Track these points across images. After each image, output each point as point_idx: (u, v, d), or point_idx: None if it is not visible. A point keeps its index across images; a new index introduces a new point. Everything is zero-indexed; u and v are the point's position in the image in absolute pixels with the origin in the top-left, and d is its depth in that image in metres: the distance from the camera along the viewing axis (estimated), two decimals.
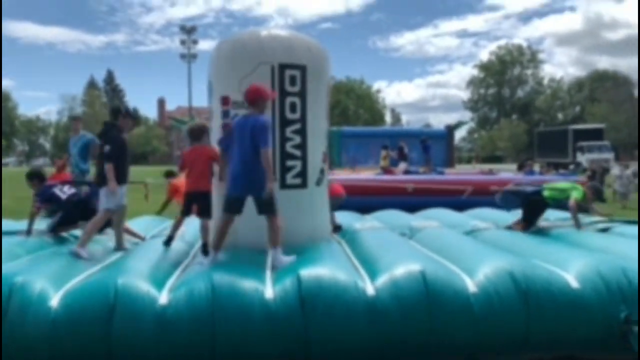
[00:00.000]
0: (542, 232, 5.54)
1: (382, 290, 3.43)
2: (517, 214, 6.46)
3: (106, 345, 3.23)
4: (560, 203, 5.78)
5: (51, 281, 3.57)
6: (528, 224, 5.75)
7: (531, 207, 5.83)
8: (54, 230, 5.49)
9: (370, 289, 3.43)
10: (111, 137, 4.61)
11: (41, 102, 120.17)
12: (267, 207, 4.17)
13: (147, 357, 3.28)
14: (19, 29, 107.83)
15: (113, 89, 74.68)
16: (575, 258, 3.92)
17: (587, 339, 3.50)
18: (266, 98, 4.34)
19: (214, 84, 5.14)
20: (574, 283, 3.56)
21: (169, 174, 8.94)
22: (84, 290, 3.48)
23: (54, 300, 3.36)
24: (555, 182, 6.45)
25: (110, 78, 75.12)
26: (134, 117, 4.98)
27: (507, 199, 6.63)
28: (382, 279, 3.52)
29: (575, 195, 5.51)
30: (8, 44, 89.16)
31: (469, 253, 4.19)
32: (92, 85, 71.79)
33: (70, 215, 5.52)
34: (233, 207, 4.23)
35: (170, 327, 3.28)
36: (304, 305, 3.34)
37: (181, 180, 5.22)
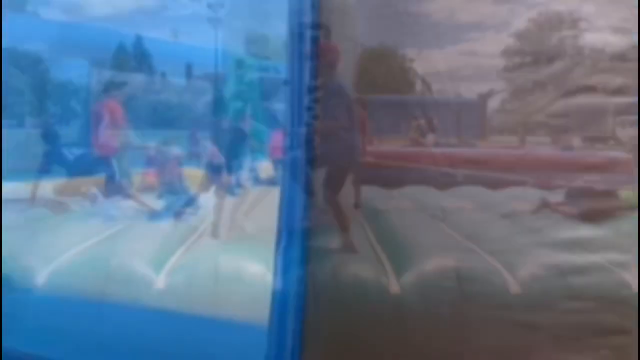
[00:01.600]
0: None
1: (409, 289, 2.95)
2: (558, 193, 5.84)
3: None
4: None
5: (38, 258, 3.31)
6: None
7: None
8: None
9: (395, 287, 2.97)
10: None
11: (72, 66, 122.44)
12: None
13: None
14: None
15: (142, 54, 75.56)
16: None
17: None
18: None
19: None
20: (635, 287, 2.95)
21: None
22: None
23: (39, 280, 3.13)
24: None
25: (138, 42, 75.91)
26: None
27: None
28: (410, 276, 3.04)
29: None
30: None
31: (510, 243, 3.65)
32: (121, 49, 72.61)
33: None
34: None
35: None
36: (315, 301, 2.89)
37: None
